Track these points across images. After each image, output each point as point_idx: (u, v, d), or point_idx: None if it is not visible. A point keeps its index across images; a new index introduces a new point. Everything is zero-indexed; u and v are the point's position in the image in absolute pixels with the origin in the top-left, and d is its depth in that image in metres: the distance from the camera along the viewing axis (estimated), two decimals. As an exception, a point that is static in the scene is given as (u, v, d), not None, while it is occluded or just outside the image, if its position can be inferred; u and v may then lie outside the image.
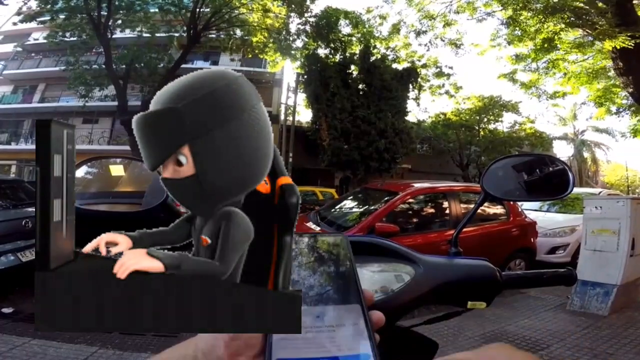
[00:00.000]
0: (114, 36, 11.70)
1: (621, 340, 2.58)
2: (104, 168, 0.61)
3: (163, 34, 12.56)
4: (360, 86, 13.99)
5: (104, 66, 11.72)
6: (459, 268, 0.60)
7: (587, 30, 6.02)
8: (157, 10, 11.92)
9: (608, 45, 5.36)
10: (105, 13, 10.46)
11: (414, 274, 0.56)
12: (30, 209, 3.81)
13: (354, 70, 14.24)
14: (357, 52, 14.15)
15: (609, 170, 30.79)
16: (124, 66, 12.05)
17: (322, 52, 14.14)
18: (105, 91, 13.68)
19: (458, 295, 0.58)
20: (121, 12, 11.15)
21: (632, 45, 5.11)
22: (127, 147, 13.06)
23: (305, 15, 12.72)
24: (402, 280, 0.55)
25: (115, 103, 12.37)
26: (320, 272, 0.31)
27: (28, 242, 3.61)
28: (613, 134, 22.42)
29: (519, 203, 5.19)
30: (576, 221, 5.12)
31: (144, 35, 11.86)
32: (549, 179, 0.69)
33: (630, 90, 5.81)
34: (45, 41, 12.56)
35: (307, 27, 13.02)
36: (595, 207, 3.42)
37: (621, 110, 9.14)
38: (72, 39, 11.62)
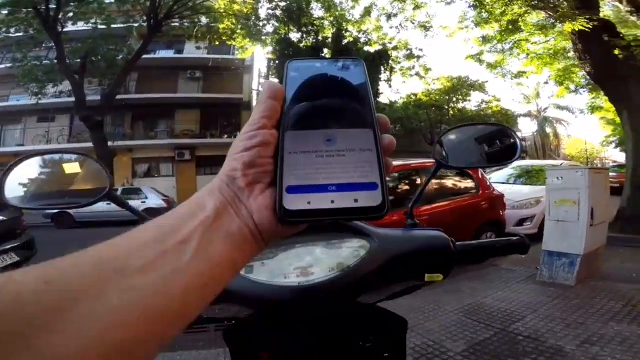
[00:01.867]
0: (65, 30, 10.76)
1: (589, 309, 2.71)
2: (57, 167, 0.59)
3: (121, 25, 11.68)
4: (334, 69, 13.88)
5: (56, 61, 10.85)
6: (413, 239, 0.59)
7: (550, 12, 6.25)
8: (112, 0, 11.03)
9: (568, 27, 5.59)
10: (55, 6, 9.58)
11: (369, 248, 0.55)
12: None
13: (327, 53, 14.08)
14: (330, 35, 13.95)
15: (570, 144, 32.98)
16: (78, 60, 11.21)
17: (294, 36, 13.83)
18: (60, 87, 12.72)
19: (414, 268, 0.57)
20: (72, 4, 10.22)
21: (590, 28, 5.37)
22: (90, 144, 12.34)
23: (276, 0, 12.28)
24: (358, 255, 0.54)
25: (72, 99, 11.55)
26: (334, 95, 0.29)
27: None
28: (572, 111, 23.88)
29: (488, 176, 5.47)
30: (541, 192, 5.25)
31: (100, 27, 10.98)
32: (498, 144, 0.70)
33: (588, 70, 6.16)
34: (-14, 39, 11.31)
35: (278, 12, 12.58)
36: (557, 178, 3.48)
37: (579, 88, 9.72)
38: (18, 34, 10.62)
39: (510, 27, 7.31)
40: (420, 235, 0.61)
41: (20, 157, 0.55)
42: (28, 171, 0.56)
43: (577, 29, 5.55)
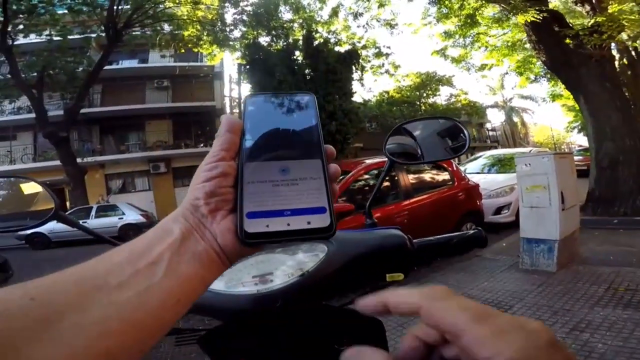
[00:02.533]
0: (17, 42, 10.17)
1: (574, 295, 2.73)
2: (14, 188, 0.58)
3: (78, 36, 11.11)
4: (306, 71, 13.91)
5: (9, 76, 10.20)
6: (369, 240, 0.59)
7: (503, 5, 6.53)
8: (66, 11, 10.48)
9: (521, 19, 5.87)
10: (1, 19, 8.99)
11: (327, 251, 0.55)
12: None
13: (298, 56, 14.06)
14: (300, 37, 13.95)
15: (537, 131, 34.74)
16: (35, 74, 10.59)
17: (263, 40, 13.70)
18: (18, 103, 11.97)
19: (374, 268, 0.57)
20: (21, 16, 9.63)
21: (540, 19, 5.66)
22: (57, 162, 11.69)
23: (241, 4, 12.09)
24: (316, 259, 0.55)
25: (33, 115, 10.92)
26: (287, 128, 0.32)
27: None
28: (535, 100, 25.15)
29: (462, 167, 5.62)
30: (514, 180, 5.32)
31: (55, 39, 10.39)
32: (447, 138, 0.71)
33: (543, 59, 6.48)
34: None
35: (245, 17, 12.42)
36: (525, 165, 3.55)
37: (539, 78, 10.26)
38: None
39: (469, 21, 7.60)
40: (376, 235, 0.60)
41: None
42: None
43: (529, 20, 5.82)
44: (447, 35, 8.84)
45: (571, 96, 7.65)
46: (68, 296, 0.22)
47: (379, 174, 4.15)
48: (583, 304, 2.59)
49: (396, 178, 4.12)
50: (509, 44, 8.69)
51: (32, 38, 10.48)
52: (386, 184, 4.19)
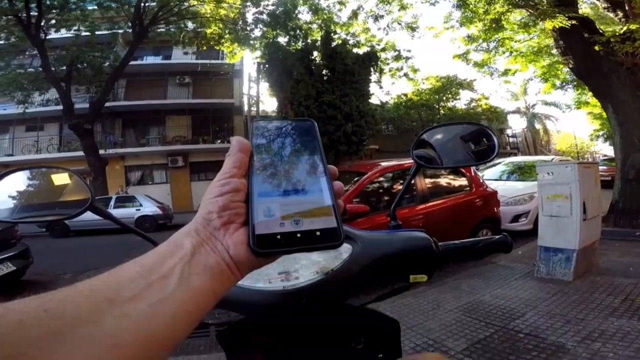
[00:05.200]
0: (48, 37, 10.54)
1: (589, 305, 2.69)
2: (41, 181, 0.60)
3: (105, 32, 11.48)
4: (323, 72, 13.93)
5: (40, 69, 10.64)
6: (395, 241, 0.59)
7: (530, 10, 6.36)
8: (95, 7, 10.83)
9: (549, 25, 5.71)
10: (36, 13, 9.36)
11: (352, 251, 0.56)
12: None
13: (316, 56, 14.09)
14: (319, 38, 13.98)
15: (560, 139, 33.61)
16: (64, 68, 11.01)
17: (282, 40, 13.80)
18: (47, 95, 12.49)
19: (398, 269, 0.58)
20: (54, 11, 10.02)
21: (569, 25, 5.49)
22: (80, 153, 12.15)
23: (262, 4, 12.23)
24: (341, 258, 0.55)
25: (60, 107, 11.36)
26: (292, 148, 0.35)
27: None
28: (560, 107, 24.36)
29: (480, 173, 5.52)
30: (535, 188, 5.21)
31: (84, 34, 10.77)
32: (476, 143, 0.70)
33: (571, 66, 6.28)
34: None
35: (265, 16, 12.56)
36: (548, 173, 3.48)
37: (565, 84, 9.94)
38: None
39: (494, 25, 7.43)
40: (402, 236, 0.61)
41: (4, 172, 0.57)
42: (11, 186, 0.57)
43: (557, 26, 5.65)
44: (471, 39, 8.68)
45: (598, 104, 7.37)
46: (81, 308, 0.22)
47: (395, 177, 4.13)
48: (597, 314, 2.53)
49: (412, 182, 4.07)
50: (535, 49, 8.44)
51: (62, 33, 10.93)
52: (400, 187, 4.16)
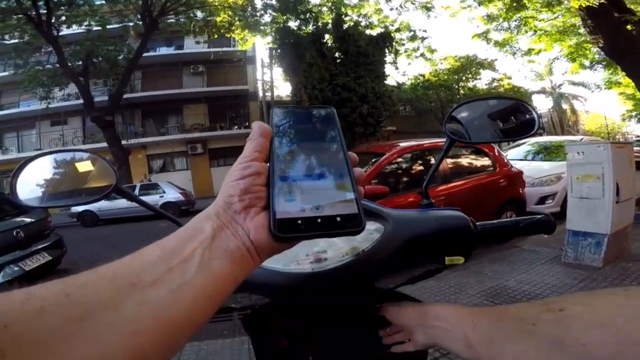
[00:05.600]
0: (61, 33, 10.77)
1: None
2: (67, 165, 0.60)
3: (116, 25, 11.65)
4: (336, 54, 13.72)
5: (58, 65, 10.92)
6: (430, 220, 0.56)
7: (554, -12, 6.01)
8: (103, 1, 10.93)
9: (574, 3, 5.37)
10: (45, 11, 9.54)
11: (384, 230, 0.53)
12: (18, 219, 3.80)
13: (328, 39, 13.84)
14: (329, 21, 13.68)
15: (589, 119, 31.95)
16: (80, 62, 11.28)
17: (293, 24, 13.58)
18: (67, 90, 12.88)
19: (433, 250, 0.55)
20: (62, 8, 10.17)
21: (597, 4, 5.16)
22: (104, 144, 12.57)
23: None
24: (372, 238, 0.52)
25: (81, 101, 11.70)
26: (312, 134, 0.35)
27: (26, 252, 3.64)
28: (589, 87, 23.06)
29: (504, 153, 5.31)
30: (561, 168, 5.03)
31: (95, 28, 10.91)
32: (513, 119, 0.65)
33: (601, 45, 5.93)
34: (-18, 48, 11.47)
35: (274, 1, 12.32)
36: (578, 153, 3.31)
37: (594, 64, 9.35)
38: (13, 41, 10.68)
39: (515, 4, 7.00)
40: (437, 215, 0.57)
41: (29, 157, 0.56)
42: (38, 171, 0.57)
43: (584, 5, 5.29)
44: (490, 18, 8.24)
45: (631, 84, 6.90)
46: (102, 294, 0.22)
47: (414, 158, 4.01)
48: None
49: (432, 161, 3.94)
50: (561, 29, 7.92)
51: (75, 29, 11.13)
52: (420, 167, 4.03)
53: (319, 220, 0.28)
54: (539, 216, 0.64)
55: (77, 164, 0.60)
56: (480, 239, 0.57)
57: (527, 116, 0.64)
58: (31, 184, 0.56)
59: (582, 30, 7.00)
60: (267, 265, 0.50)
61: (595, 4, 5.20)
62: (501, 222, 0.63)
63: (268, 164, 0.31)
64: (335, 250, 0.52)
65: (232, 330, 2.40)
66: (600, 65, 9.56)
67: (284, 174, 0.31)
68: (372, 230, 0.53)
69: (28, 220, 3.86)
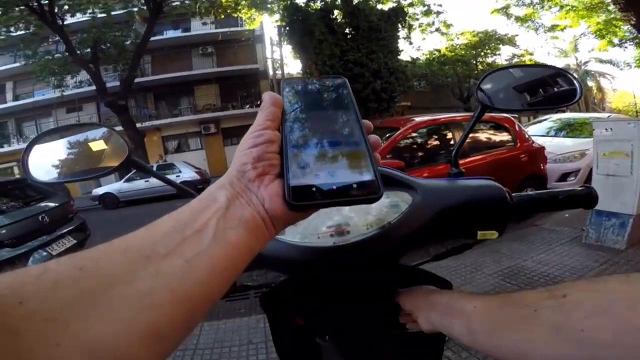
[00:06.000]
0: (67, 22, 10.77)
1: None
2: (80, 139, 0.59)
3: (120, 11, 11.56)
4: (346, 30, 13.31)
5: (67, 53, 10.99)
6: (462, 190, 0.51)
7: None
8: None
9: None
10: (47, 1, 9.49)
11: (412, 201, 0.49)
12: (42, 204, 3.86)
13: (337, 15, 13.40)
14: (339, -5, 13.18)
15: (616, 97, 30.45)
16: (89, 50, 11.32)
17: (300, 0, 13.20)
18: (79, 77, 13.03)
19: (465, 223, 0.51)
20: None
21: None
22: (119, 128, 12.80)
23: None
24: (398, 210, 0.48)
25: (94, 87, 11.84)
26: (325, 103, 0.34)
27: (52, 236, 3.69)
28: (617, 64, 21.77)
29: (525, 129, 5.12)
30: (585, 145, 4.83)
31: (100, 15, 10.84)
32: (552, 87, 0.61)
33: (633, 22, 5.48)
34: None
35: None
36: (606, 129, 3.14)
37: (624, 42, 8.73)
38: (19, 32, 10.73)
39: None
40: (470, 185, 0.52)
41: (40, 133, 0.55)
42: (50, 146, 0.56)
43: None
44: (510, -7, 7.72)
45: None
46: (115, 266, 0.21)
47: (430, 133, 3.89)
48: None
49: (449, 136, 3.82)
50: (588, 4, 7.34)
51: (80, 17, 11.07)
52: (436, 142, 3.92)
53: (334, 187, 0.27)
54: (580, 188, 0.58)
55: (89, 137, 0.59)
56: (516, 211, 0.51)
57: (568, 84, 0.60)
58: (43, 159, 0.54)
59: (611, 7, 6.48)
60: (286, 239, 0.48)
61: None
62: (538, 194, 0.58)
63: (280, 133, 0.30)
64: (358, 222, 0.48)
65: (249, 308, 2.44)
66: (632, 43, 8.94)
67: (297, 141, 0.30)
68: (399, 201, 0.49)
69: (52, 204, 3.92)
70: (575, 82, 0.59)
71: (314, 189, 0.27)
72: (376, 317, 0.53)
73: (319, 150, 0.30)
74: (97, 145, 0.58)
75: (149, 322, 0.20)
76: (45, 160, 0.55)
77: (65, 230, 3.92)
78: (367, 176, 0.28)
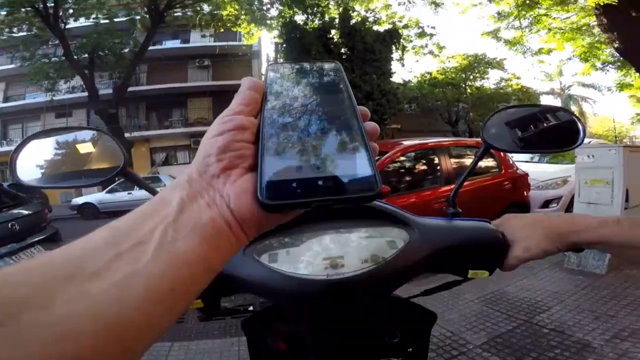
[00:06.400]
0: (68, 26, 10.86)
1: (621, 301, 2.53)
2: (71, 143, 0.56)
3: (123, 18, 11.68)
4: (342, 50, 13.65)
5: (64, 58, 11.00)
6: (458, 231, 0.53)
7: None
8: None
9: (591, 1, 5.23)
10: (53, 4, 9.61)
11: (408, 239, 0.49)
12: (14, 211, 3.74)
13: (334, 34, 13.77)
14: (336, 16, 13.59)
15: (596, 122, 31.75)
16: (86, 55, 11.35)
17: (299, 18, 13.54)
18: (72, 82, 12.98)
19: (458, 263, 0.52)
20: (70, 1, 10.25)
21: (616, 1, 4.98)
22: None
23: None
24: (395, 246, 0.49)
25: (86, 94, 11.77)
26: (315, 88, 0.30)
27: (21, 245, 3.55)
28: (599, 89, 22.83)
29: (510, 155, 5.24)
30: (567, 172, 4.98)
31: (102, 22, 10.99)
32: (556, 129, 0.64)
33: (616, 45, 5.78)
34: (-10, 40, 11.55)
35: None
36: (588, 156, 3.23)
37: (606, 65, 9.16)
38: (21, 34, 10.76)
39: (528, 2, 6.86)
40: (467, 226, 0.54)
41: (31, 135, 0.52)
42: (41, 149, 0.53)
43: (601, 4, 5.14)
44: (501, 16, 8.11)
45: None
46: (30, 288, 0.18)
47: (418, 157, 3.95)
48: (630, 311, 2.37)
49: (436, 161, 3.88)
50: (574, 27, 7.78)
51: (82, 22, 11.16)
52: (423, 167, 3.96)
53: (320, 182, 0.22)
54: None
55: (83, 143, 0.56)
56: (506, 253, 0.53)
57: (571, 126, 0.61)
58: (33, 163, 0.52)
59: (595, 30, 6.85)
60: (276, 267, 0.46)
61: (614, 2, 5.05)
62: None
63: (258, 121, 0.26)
64: (353, 256, 0.48)
65: (223, 330, 2.37)
66: (613, 67, 9.39)
67: (277, 129, 0.25)
68: (395, 237, 0.50)
69: (25, 212, 3.81)
70: (578, 123, 0.61)
71: (294, 184, 0.22)
72: (363, 342, 0.53)
73: (304, 138, 0.25)
74: (92, 152, 0.56)
75: (65, 352, 0.17)
76: (36, 163, 0.52)
77: (36, 239, 3.76)
78: (362, 169, 0.23)
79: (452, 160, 3.99)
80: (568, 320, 2.31)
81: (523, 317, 2.38)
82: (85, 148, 0.56)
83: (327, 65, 0.32)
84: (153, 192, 0.60)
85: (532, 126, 0.64)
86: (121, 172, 0.53)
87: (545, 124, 0.64)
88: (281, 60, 14.14)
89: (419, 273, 0.50)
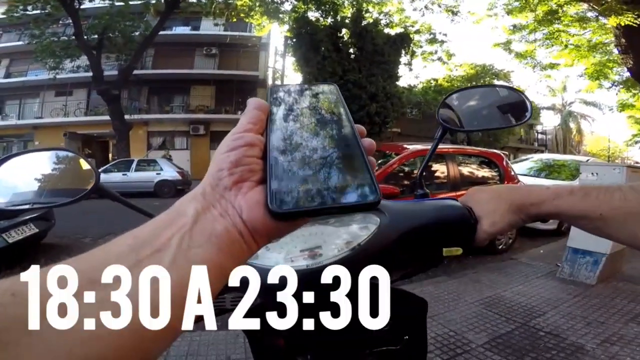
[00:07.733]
0: (82, 6, 10.72)
1: (610, 309, 2.70)
2: (45, 165, 0.58)
3: (138, 2, 11.59)
4: (351, 50, 13.62)
5: (73, 37, 10.91)
6: (426, 211, 0.54)
7: (593, 4, 5.87)
8: None
9: (613, 21, 5.30)
10: None
11: (379, 223, 0.51)
12: None
13: (345, 34, 13.74)
14: (349, 15, 13.57)
15: (592, 141, 32.08)
16: (96, 36, 11.26)
17: (312, 15, 13.48)
18: (77, 62, 12.82)
19: (430, 242, 0.54)
20: None
21: (638, 23, 5.05)
22: (106, 117, 12.54)
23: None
24: (368, 232, 0.50)
25: (89, 74, 11.68)
26: (315, 108, 0.32)
27: (12, 222, 3.49)
28: (600, 107, 23.04)
29: (512, 166, 5.37)
30: None
31: (117, 3, 10.91)
32: (506, 107, 0.68)
33: (630, 66, 5.87)
34: (4, 16, 11.33)
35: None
36: (592, 174, 3.36)
37: (615, 84, 9.26)
38: (35, 12, 10.61)
39: (549, 17, 6.93)
40: (434, 205, 0.56)
41: (5, 155, 0.53)
42: (14, 170, 0.54)
43: (622, 24, 5.23)
44: (516, 28, 8.18)
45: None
46: (49, 293, 0.18)
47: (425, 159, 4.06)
48: (618, 318, 2.54)
49: (443, 168, 4.01)
50: (589, 45, 7.84)
51: (97, 2, 11.03)
52: (432, 172, 4.08)
53: (325, 193, 0.24)
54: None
55: (56, 163, 0.58)
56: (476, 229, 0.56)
57: (520, 104, 0.66)
58: (5, 184, 0.52)
59: (609, 47, 6.93)
60: (257, 263, 0.48)
61: (636, 24, 5.12)
62: None
63: (265, 137, 0.28)
64: (330, 245, 0.51)
65: (227, 322, 2.39)
66: (620, 87, 9.48)
67: (283, 145, 0.27)
68: (368, 223, 0.52)
69: None
70: (526, 101, 0.66)
71: (301, 194, 0.24)
72: (357, 335, 0.55)
73: (308, 153, 0.27)
74: (65, 172, 0.57)
75: (89, 355, 0.18)
76: (7, 185, 0.52)
77: (28, 217, 3.69)
78: (363, 180, 0.25)
79: (459, 167, 4.13)
80: (562, 324, 2.46)
81: (520, 320, 2.52)
82: (60, 167, 0.57)
83: (325, 87, 0.35)
84: (130, 206, 0.62)
85: (484, 106, 0.68)
86: (95, 190, 0.55)
87: (496, 104, 0.67)
88: (289, 55, 14.11)
89: (394, 254, 0.51)
